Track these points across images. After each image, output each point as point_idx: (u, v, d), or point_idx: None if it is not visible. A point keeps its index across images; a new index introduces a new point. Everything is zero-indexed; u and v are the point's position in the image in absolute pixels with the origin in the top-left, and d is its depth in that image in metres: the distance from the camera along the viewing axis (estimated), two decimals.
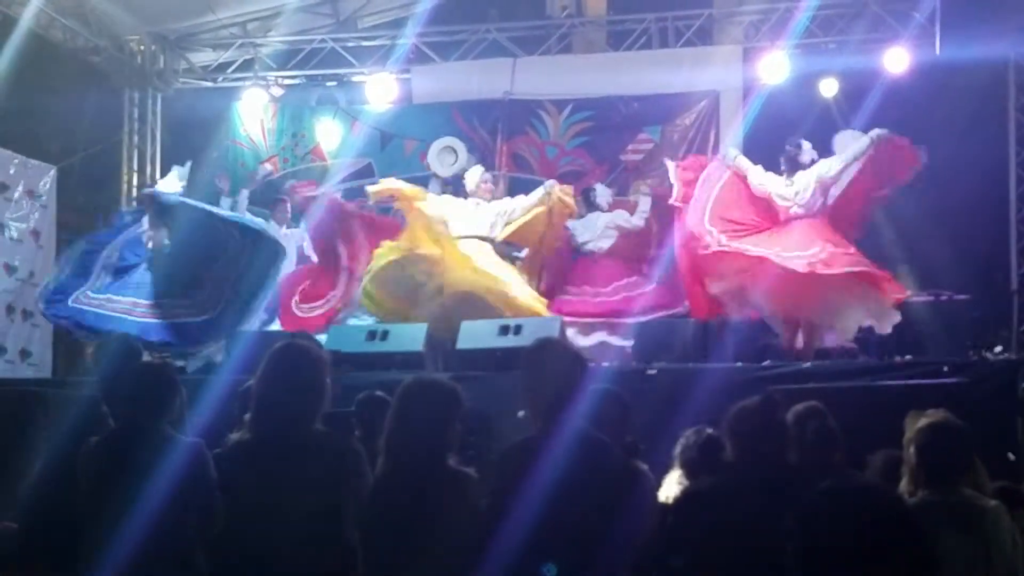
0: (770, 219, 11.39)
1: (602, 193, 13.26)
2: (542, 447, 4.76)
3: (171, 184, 12.86)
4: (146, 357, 10.59)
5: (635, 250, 13.10)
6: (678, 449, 6.52)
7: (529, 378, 5.07)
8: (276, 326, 12.57)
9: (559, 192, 12.35)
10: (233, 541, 5.03)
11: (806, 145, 11.59)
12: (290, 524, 4.87)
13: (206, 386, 8.24)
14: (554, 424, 4.83)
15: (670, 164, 12.02)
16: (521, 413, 5.20)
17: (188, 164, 12.97)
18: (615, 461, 5.00)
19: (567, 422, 4.87)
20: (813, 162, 11.45)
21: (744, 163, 11.69)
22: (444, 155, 14.60)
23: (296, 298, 13.03)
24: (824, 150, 11.65)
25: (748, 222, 11.38)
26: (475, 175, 12.66)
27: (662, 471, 6.47)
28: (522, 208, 12.34)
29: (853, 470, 5.97)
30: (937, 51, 13.39)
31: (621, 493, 4.83)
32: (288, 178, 15.77)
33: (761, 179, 11.51)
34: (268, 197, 14.34)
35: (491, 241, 12.18)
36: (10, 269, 14.02)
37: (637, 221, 13.05)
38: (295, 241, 13.54)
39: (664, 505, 5.84)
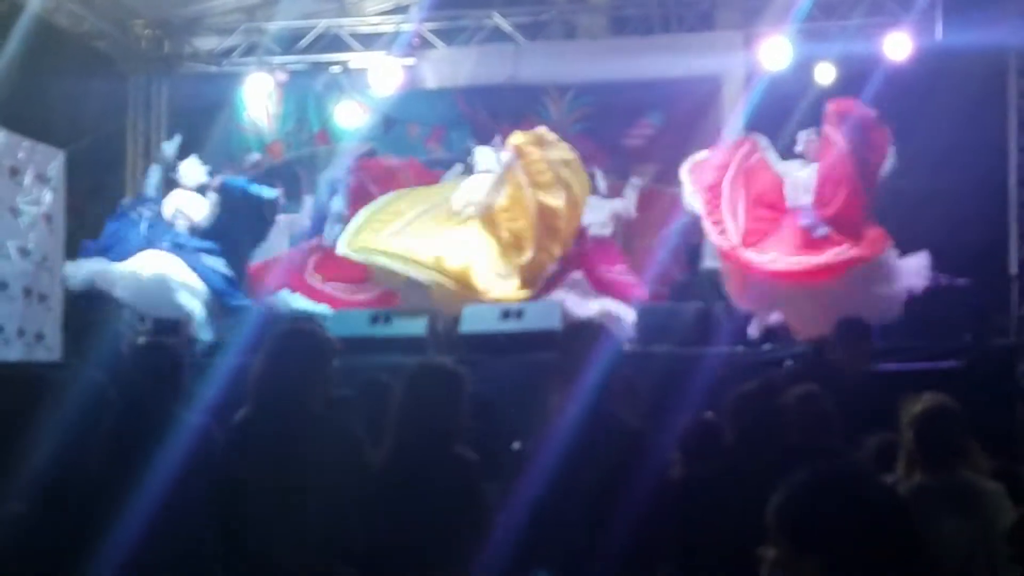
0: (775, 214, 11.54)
1: (601, 179, 13.36)
2: (574, 434, 4.85)
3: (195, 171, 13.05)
4: (144, 339, 10.76)
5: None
6: (678, 434, 6.58)
7: (566, 362, 5.13)
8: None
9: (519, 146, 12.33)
10: (236, 521, 5.11)
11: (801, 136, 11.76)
12: (290, 505, 4.93)
13: (216, 366, 8.32)
14: (587, 408, 4.92)
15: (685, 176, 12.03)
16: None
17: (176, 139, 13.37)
18: (641, 444, 5.08)
19: (600, 407, 4.95)
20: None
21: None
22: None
23: (314, 270, 13.17)
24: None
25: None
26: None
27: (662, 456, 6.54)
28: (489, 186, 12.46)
29: (846, 454, 6.02)
30: (939, 36, 13.43)
31: (640, 470, 4.91)
32: (292, 163, 15.84)
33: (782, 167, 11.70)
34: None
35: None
36: (24, 253, 14.08)
37: (632, 211, 13.19)
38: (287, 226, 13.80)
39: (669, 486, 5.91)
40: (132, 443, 5.25)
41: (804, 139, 11.67)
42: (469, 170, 13.10)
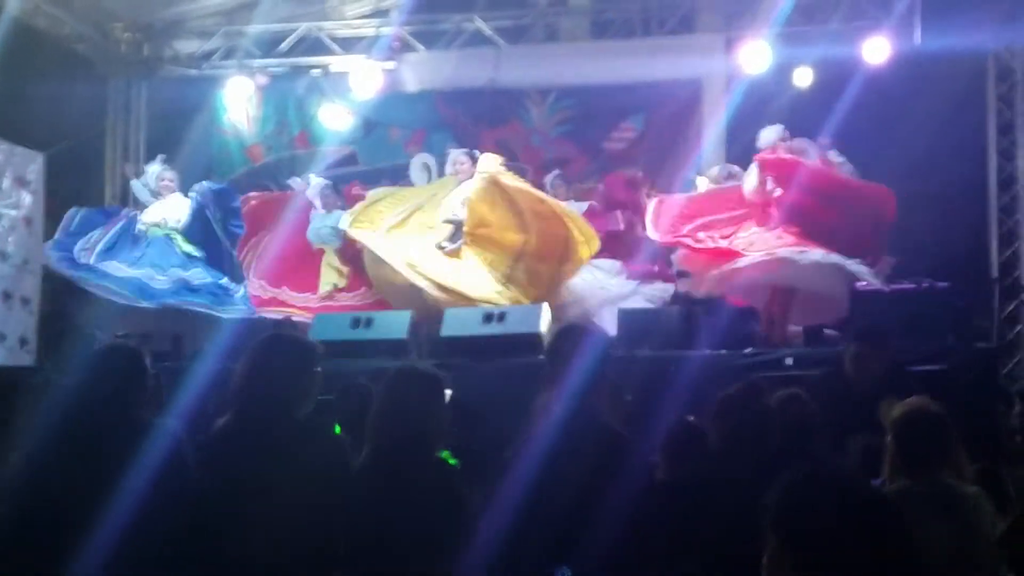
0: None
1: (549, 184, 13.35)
2: (562, 434, 4.84)
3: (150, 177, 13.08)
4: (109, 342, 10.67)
5: None
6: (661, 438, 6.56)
7: (554, 364, 5.11)
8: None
9: (487, 171, 12.41)
10: (213, 527, 5.04)
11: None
12: (271, 511, 4.88)
13: (192, 373, 8.27)
14: (574, 410, 4.90)
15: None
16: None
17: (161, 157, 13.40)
18: (622, 448, 5.06)
19: (586, 408, 4.94)
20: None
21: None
22: (420, 173, 14.91)
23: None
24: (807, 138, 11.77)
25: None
26: (451, 157, 12.82)
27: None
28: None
29: (830, 457, 6.02)
30: (917, 40, 13.44)
31: (624, 473, 4.90)
32: (271, 166, 15.82)
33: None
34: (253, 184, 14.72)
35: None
36: (4, 256, 13.97)
37: None
38: None
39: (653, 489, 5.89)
40: (95, 446, 5.17)
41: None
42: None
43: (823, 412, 6.29)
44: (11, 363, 13.40)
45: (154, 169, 13.20)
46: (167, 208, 12.90)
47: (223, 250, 12.83)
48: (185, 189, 13.06)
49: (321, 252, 13.49)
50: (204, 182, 13.28)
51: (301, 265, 13.43)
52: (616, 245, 12.92)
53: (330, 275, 13.31)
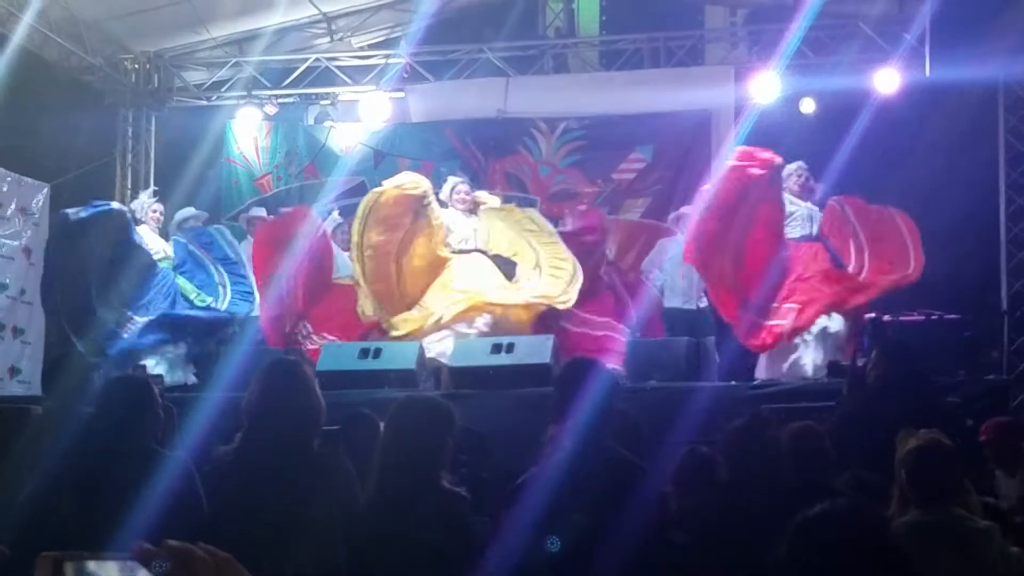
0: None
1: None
2: (573, 463, 4.81)
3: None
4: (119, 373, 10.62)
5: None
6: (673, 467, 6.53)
7: (563, 396, 5.09)
8: None
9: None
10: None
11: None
12: (278, 540, 4.86)
13: (200, 403, 8.24)
14: (584, 442, 4.87)
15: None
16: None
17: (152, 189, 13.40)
18: (635, 477, 5.03)
19: (597, 441, 4.91)
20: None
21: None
22: None
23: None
24: (818, 170, 11.73)
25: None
26: (448, 184, 12.44)
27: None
28: None
29: (843, 491, 5.98)
30: (927, 72, 13.44)
31: (636, 503, 4.87)
32: (281, 196, 15.82)
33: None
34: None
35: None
36: (1, 287, 13.94)
37: None
38: None
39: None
40: (105, 476, 5.16)
41: (792, 172, 11.60)
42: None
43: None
44: (2, 393, 13.32)
45: (146, 200, 13.07)
46: (158, 242, 12.75)
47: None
48: None
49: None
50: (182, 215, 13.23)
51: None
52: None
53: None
